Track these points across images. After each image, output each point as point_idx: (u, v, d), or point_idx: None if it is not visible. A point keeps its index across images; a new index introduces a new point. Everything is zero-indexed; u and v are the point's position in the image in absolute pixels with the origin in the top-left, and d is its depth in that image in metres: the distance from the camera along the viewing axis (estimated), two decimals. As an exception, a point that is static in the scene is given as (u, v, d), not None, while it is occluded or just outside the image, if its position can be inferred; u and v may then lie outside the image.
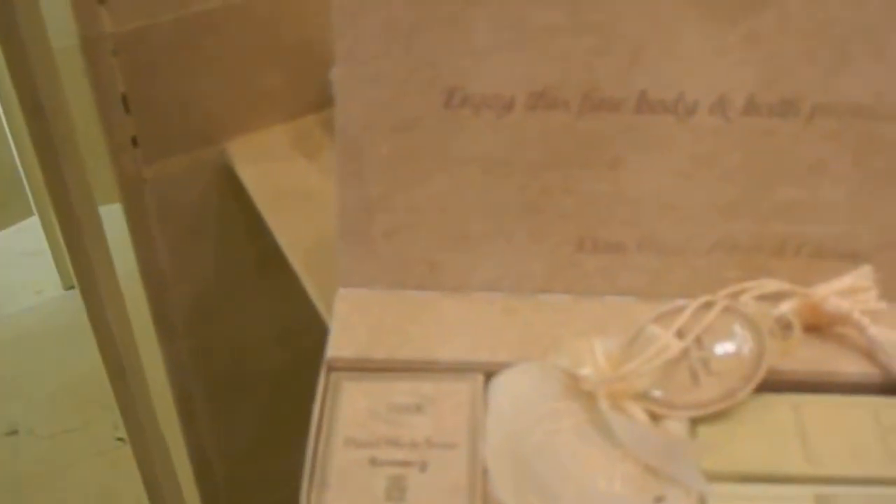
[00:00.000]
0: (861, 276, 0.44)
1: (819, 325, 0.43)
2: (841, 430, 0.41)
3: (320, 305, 0.53)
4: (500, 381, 0.42)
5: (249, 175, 0.61)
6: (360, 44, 0.42)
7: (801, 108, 0.42)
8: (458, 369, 0.43)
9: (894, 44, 0.41)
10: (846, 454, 0.40)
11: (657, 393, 0.40)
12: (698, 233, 0.44)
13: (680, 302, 0.42)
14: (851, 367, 0.43)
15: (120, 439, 1.42)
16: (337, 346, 0.43)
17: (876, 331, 0.42)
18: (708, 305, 0.41)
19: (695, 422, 0.41)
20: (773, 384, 0.41)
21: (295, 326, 0.72)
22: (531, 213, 0.44)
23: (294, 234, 0.56)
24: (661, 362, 0.40)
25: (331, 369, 0.43)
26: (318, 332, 0.53)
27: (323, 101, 0.63)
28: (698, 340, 0.41)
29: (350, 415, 0.41)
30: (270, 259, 0.59)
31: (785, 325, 0.42)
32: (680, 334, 0.41)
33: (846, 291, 0.43)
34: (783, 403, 0.42)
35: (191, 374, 0.74)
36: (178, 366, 0.73)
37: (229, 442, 0.79)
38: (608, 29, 0.41)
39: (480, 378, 0.42)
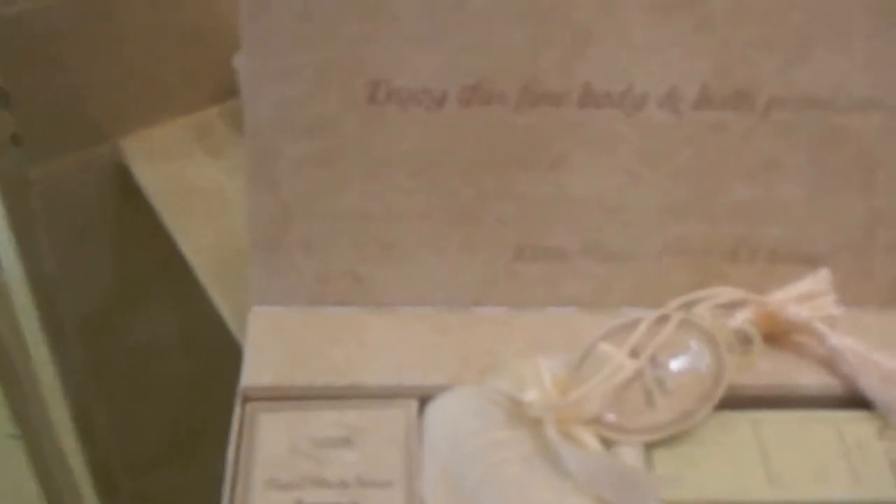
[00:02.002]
0: (818, 281, 0.41)
1: (776, 334, 0.40)
2: (804, 449, 0.38)
3: (229, 318, 0.49)
4: (435, 408, 0.38)
5: (146, 174, 0.56)
6: (272, 34, 0.37)
7: (757, 100, 0.39)
8: (388, 395, 0.39)
9: (859, 30, 0.37)
10: (810, 476, 0.37)
11: (610, 417, 0.37)
12: (646, 236, 0.41)
13: (632, 315, 0.39)
14: (811, 378, 0.40)
15: (14, 436, 1.34)
16: (252, 374, 0.39)
17: (837, 341, 0.39)
18: (662, 320, 0.38)
19: (650, 446, 0.37)
20: (730, 399, 0.38)
21: (200, 331, 0.67)
22: (465, 220, 0.40)
23: (197, 240, 0.51)
24: (614, 385, 0.36)
25: (246, 400, 0.38)
26: (224, 335, 0.49)
27: (225, 92, 0.58)
28: (653, 358, 0.38)
29: (270, 452, 0.37)
30: (171, 262, 0.54)
31: (744, 339, 0.38)
32: (633, 352, 0.37)
33: (804, 297, 0.40)
34: (742, 422, 0.38)
35: (88, 384, 0.68)
36: (72, 375, 0.68)
37: (133, 453, 0.74)
38: (551, 14, 0.37)
39: (413, 404, 0.38)
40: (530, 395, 0.36)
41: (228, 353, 0.50)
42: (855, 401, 0.39)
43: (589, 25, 0.38)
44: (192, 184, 0.55)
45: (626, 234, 0.41)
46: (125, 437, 0.73)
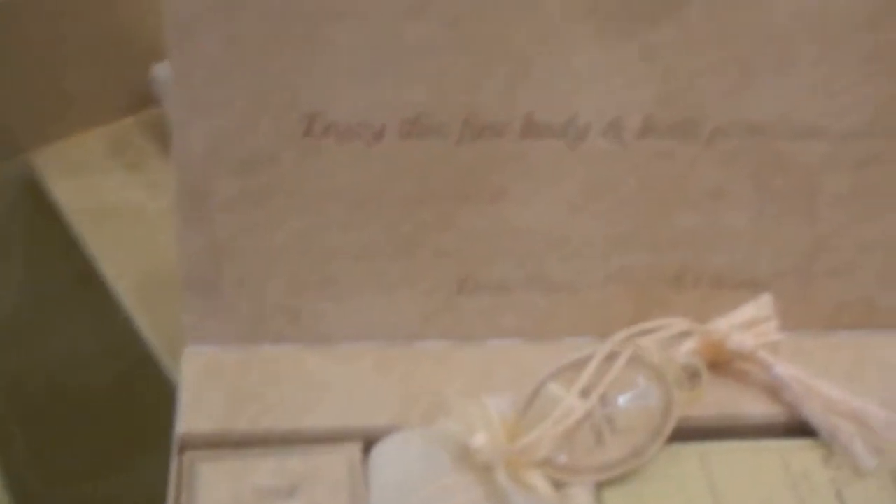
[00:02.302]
0: (761, 306, 0.40)
1: (720, 362, 0.40)
2: (751, 479, 0.38)
3: (154, 342, 0.47)
4: (381, 452, 0.37)
5: (62, 190, 0.53)
6: (200, 66, 0.35)
7: (701, 128, 0.38)
8: (332, 438, 0.37)
9: (803, 58, 0.37)
10: (758, 506, 0.37)
11: (561, 458, 0.36)
12: (590, 267, 0.40)
13: (577, 348, 0.38)
14: (756, 408, 0.40)
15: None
16: (189, 420, 0.37)
17: (781, 369, 0.39)
18: (611, 357, 0.37)
19: (600, 484, 0.37)
20: (677, 431, 0.38)
21: (118, 342, 0.64)
22: (405, 253, 0.39)
23: (119, 261, 0.49)
24: (566, 428, 0.36)
25: (183, 448, 0.37)
26: (142, 347, 0.48)
27: (142, 101, 0.55)
28: (601, 396, 0.37)
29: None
30: (88, 280, 0.52)
31: (691, 373, 0.38)
32: (583, 392, 0.37)
33: (747, 323, 0.40)
34: (690, 455, 0.38)
35: (2, 399, 0.66)
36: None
37: (51, 468, 0.72)
38: (492, 45, 0.36)
39: (357, 448, 0.37)
40: (479, 440, 0.35)
41: (149, 369, 0.49)
42: (800, 429, 0.39)
43: (530, 55, 0.36)
44: (110, 200, 0.52)
45: (569, 265, 0.40)
46: (43, 452, 0.71)
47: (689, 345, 0.39)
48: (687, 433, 0.38)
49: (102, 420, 0.69)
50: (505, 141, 0.38)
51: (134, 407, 0.58)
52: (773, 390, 0.40)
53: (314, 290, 0.39)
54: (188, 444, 0.37)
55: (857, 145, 0.39)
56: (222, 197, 0.37)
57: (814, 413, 0.39)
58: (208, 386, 0.38)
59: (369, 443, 0.37)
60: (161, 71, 0.52)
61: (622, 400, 0.37)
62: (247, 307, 0.39)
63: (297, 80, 0.36)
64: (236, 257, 0.38)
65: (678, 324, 0.39)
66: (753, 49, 0.37)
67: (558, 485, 0.36)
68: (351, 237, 0.38)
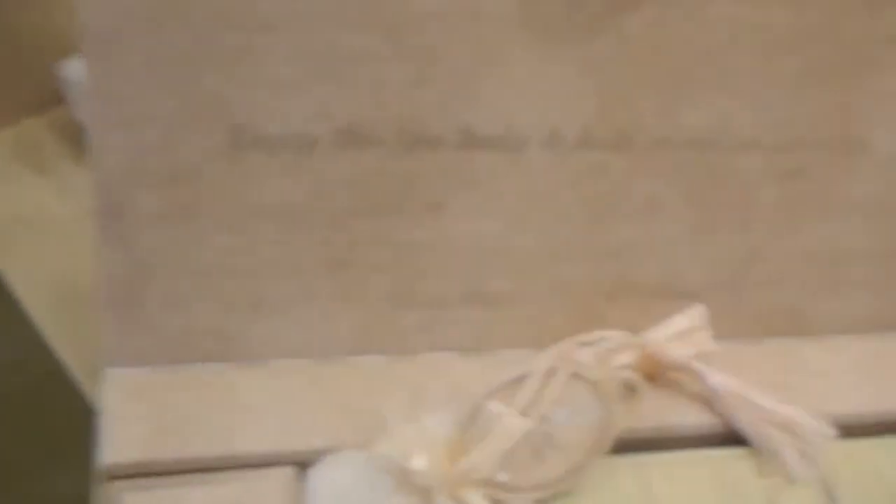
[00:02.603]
0: (694, 317, 0.40)
1: (655, 373, 0.40)
2: (687, 491, 0.38)
3: (67, 357, 0.45)
4: (319, 476, 0.36)
5: (-38, 197, 0.50)
6: (120, 77, 0.33)
7: (639, 140, 0.38)
8: (265, 463, 0.36)
9: (742, 71, 0.37)
10: (692, 519, 0.37)
11: (501, 476, 0.35)
12: (528, 280, 0.39)
13: (516, 363, 0.37)
14: (691, 418, 0.39)
15: None
16: (112, 449, 0.35)
17: (714, 380, 0.39)
18: (551, 373, 0.36)
19: (539, 501, 0.36)
20: (614, 443, 0.37)
21: (26, 356, 0.62)
22: (338, 269, 0.38)
23: (29, 274, 0.47)
24: (507, 447, 0.35)
25: (108, 478, 0.35)
26: (52, 361, 0.47)
27: (47, 99, 0.52)
28: (541, 414, 0.36)
29: (138, 539, 0.34)
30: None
31: (630, 387, 0.38)
32: (524, 411, 0.36)
33: (681, 334, 0.40)
34: (626, 467, 0.38)
35: None
36: None
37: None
38: (429, 55, 0.35)
39: (292, 472, 0.36)
40: (418, 463, 0.34)
41: (59, 383, 0.47)
42: (735, 438, 0.39)
43: (468, 67, 0.35)
44: (17, 207, 0.49)
45: (507, 279, 0.39)
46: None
47: (625, 357, 0.39)
48: (622, 445, 0.38)
49: (7, 434, 0.66)
50: (442, 152, 0.37)
51: (43, 422, 0.56)
52: (708, 400, 0.40)
53: (244, 307, 0.37)
54: (113, 474, 0.35)
55: (788, 158, 0.39)
56: (145, 212, 0.35)
57: (746, 423, 0.39)
58: (132, 411, 0.36)
59: (304, 466, 0.36)
60: (68, 70, 0.49)
61: (561, 416, 0.37)
62: (172, 327, 0.37)
63: (224, 91, 0.34)
64: (161, 275, 0.36)
65: (615, 336, 0.39)
66: (691, 63, 0.37)
67: (497, 503, 0.36)
68: (282, 252, 0.37)
